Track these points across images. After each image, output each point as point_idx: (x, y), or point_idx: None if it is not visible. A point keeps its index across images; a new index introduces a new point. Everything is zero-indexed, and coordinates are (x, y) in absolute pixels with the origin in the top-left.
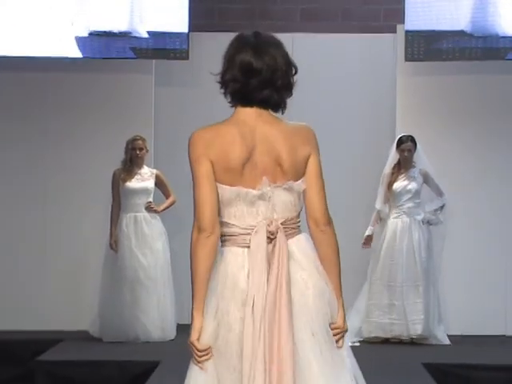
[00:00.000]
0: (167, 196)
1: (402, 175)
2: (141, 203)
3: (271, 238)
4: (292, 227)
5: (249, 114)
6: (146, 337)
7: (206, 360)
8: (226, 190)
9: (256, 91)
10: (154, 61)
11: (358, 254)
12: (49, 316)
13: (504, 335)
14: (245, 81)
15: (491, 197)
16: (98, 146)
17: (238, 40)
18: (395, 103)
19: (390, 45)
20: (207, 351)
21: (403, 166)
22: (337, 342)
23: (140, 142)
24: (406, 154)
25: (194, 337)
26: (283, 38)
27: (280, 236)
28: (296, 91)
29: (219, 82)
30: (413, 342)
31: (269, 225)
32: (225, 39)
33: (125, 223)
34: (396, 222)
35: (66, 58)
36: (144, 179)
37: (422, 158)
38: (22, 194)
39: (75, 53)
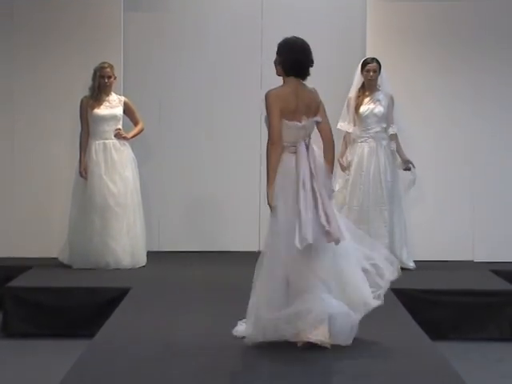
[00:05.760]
0: (135, 123)
1: (368, 98)
2: (110, 130)
3: (307, 146)
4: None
5: (296, 82)
6: (116, 263)
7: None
8: (287, 123)
9: (300, 71)
10: None
11: None
12: (18, 243)
13: (471, 261)
14: (296, 66)
15: (454, 118)
16: (66, 73)
17: (286, 42)
18: (365, 28)
19: None
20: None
21: (368, 88)
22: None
23: (108, 69)
24: (371, 74)
25: (272, 202)
26: None
27: (312, 146)
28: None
29: (281, 66)
30: None
31: (305, 140)
32: None
33: (94, 150)
34: (363, 146)
35: None
36: (112, 106)
37: (386, 82)
38: None
39: None
